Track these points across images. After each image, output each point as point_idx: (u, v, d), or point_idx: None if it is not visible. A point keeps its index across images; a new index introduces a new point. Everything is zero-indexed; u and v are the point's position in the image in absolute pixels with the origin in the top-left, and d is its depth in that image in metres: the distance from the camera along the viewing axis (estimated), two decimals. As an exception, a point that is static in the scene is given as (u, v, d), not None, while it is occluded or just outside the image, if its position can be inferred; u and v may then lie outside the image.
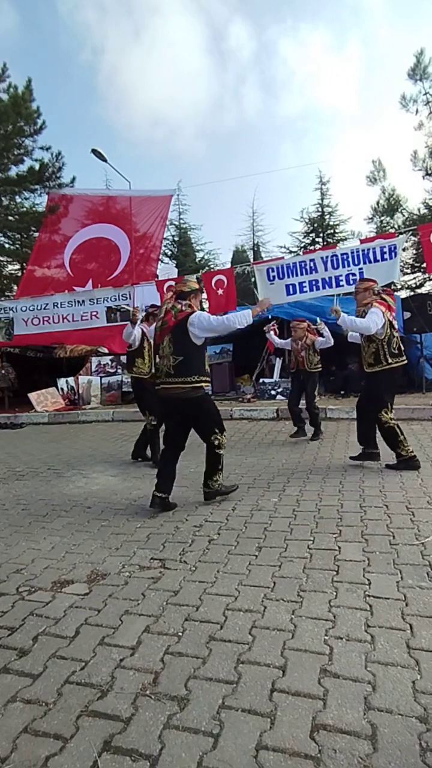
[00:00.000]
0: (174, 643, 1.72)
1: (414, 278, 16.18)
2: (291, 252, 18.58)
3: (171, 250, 20.54)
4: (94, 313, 10.17)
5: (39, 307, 10.43)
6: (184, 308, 3.32)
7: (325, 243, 17.83)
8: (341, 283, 8.09)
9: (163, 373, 3.30)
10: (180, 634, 1.78)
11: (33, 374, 13.16)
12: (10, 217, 13.53)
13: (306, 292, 8.37)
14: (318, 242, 18.47)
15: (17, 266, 15.62)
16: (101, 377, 11.12)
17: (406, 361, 4.08)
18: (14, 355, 12.26)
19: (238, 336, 9.11)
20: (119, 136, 75.12)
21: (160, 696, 1.45)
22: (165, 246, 19.51)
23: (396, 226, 15.24)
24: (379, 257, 7.89)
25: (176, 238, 20.71)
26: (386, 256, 7.84)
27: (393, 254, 7.81)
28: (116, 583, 2.24)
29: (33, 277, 12.58)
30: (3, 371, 11.36)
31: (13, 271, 15.65)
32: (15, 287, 14.08)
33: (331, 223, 18.97)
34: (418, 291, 15.41)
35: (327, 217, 18.95)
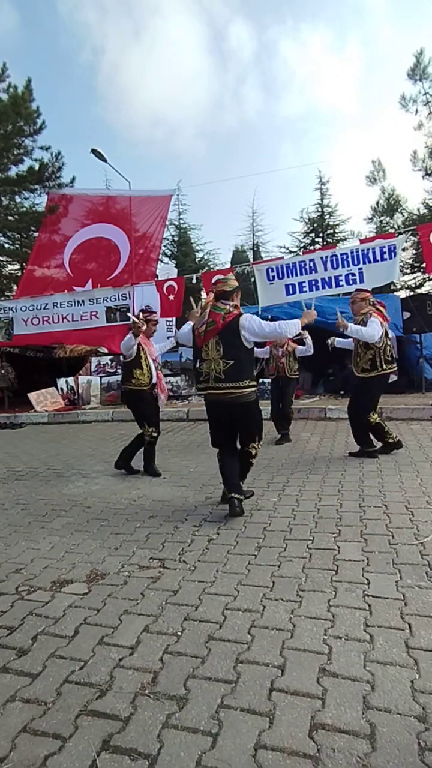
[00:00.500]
0: (173, 643, 1.72)
1: (414, 278, 16.18)
2: (291, 252, 18.55)
3: (171, 250, 20.54)
4: (94, 313, 10.18)
5: (39, 307, 10.43)
6: (231, 309, 3.17)
7: (324, 243, 17.81)
8: (341, 283, 8.09)
9: (212, 378, 3.12)
10: (179, 633, 1.78)
11: (33, 374, 13.15)
12: (10, 217, 13.53)
13: (306, 292, 8.37)
14: (318, 242, 18.46)
15: (17, 266, 15.61)
16: (101, 377, 11.11)
17: (397, 368, 4.38)
18: (14, 355, 12.26)
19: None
20: (119, 136, 75.29)
21: (159, 695, 1.45)
22: (165, 246, 19.50)
23: (396, 226, 15.24)
24: (378, 257, 7.89)
25: (176, 238, 20.70)
26: (386, 256, 7.85)
27: (393, 254, 7.82)
28: (115, 583, 2.24)
29: (33, 277, 12.59)
30: (3, 371, 11.36)
31: (12, 271, 15.65)
32: (15, 287, 14.08)
33: (331, 223, 18.95)
34: (418, 291, 15.41)
35: (327, 217, 18.92)
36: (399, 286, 15.99)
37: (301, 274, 8.44)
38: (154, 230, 12.63)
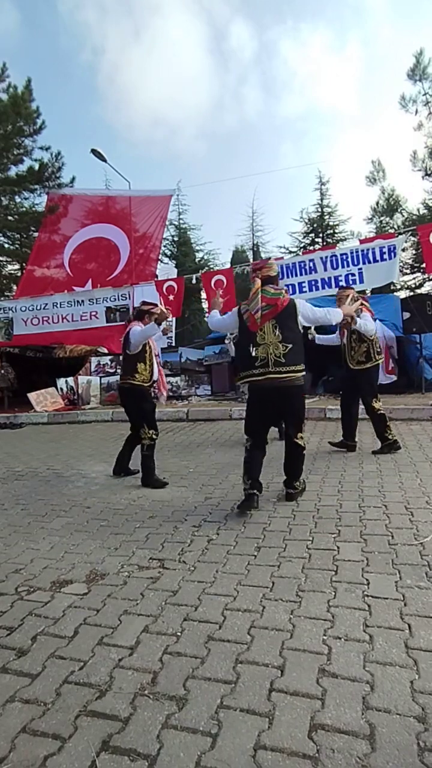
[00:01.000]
0: (173, 643, 1.72)
1: (413, 278, 16.20)
2: (291, 252, 18.57)
3: (171, 250, 20.57)
4: (94, 313, 10.21)
5: (38, 307, 10.45)
6: (284, 293, 3.15)
7: (324, 243, 17.83)
8: (340, 283, 8.10)
9: (272, 362, 3.07)
10: (179, 634, 1.78)
11: (32, 374, 13.15)
12: (10, 217, 13.54)
13: (305, 292, 8.38)
14: (317, 242, 18.48)
15: (17, 266, 15.63)
16: (101, 377, 11.12)
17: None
18: (14, 355, 12.26)
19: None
20: (119, 136, 75.18)
21: (158, 696, 1.45)
22: (165, 246, 19.54)
23: (395, 227, 15.25)
24: (378, 257, 7.91)
25: (176, 238, 20.73)
26: (386, 256, 7.86)
27: (392, 254, 7.84)
28: (115, 583, 2.24)
29: (32, 277, 12.60)
30: (2, 371, 11.37)
31: (12, 271, 15.66)
32: (14, 287, 14.09)
33: (331, 223, 18.98)
34: (418, 291, 15.43)
35: (327, 217, 18.95)
36: (399, 287, 16.01)
37: (301, 274, 8.45)
38: (154, 230, 12.64)
